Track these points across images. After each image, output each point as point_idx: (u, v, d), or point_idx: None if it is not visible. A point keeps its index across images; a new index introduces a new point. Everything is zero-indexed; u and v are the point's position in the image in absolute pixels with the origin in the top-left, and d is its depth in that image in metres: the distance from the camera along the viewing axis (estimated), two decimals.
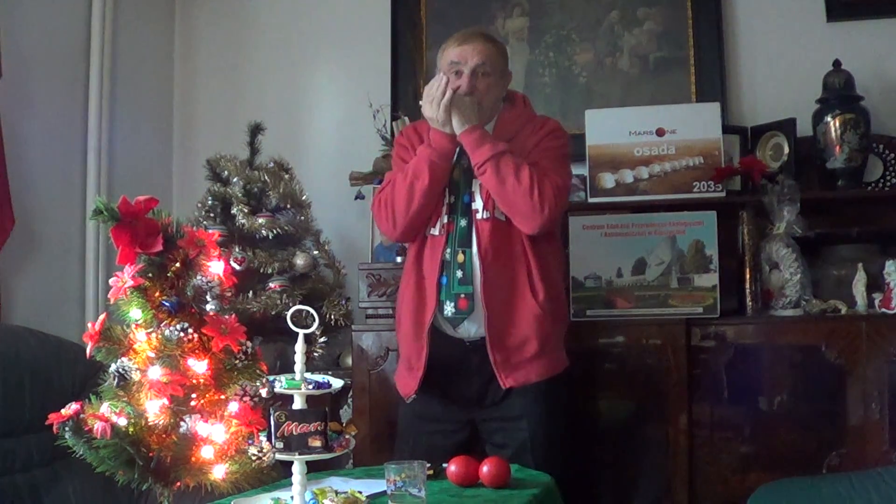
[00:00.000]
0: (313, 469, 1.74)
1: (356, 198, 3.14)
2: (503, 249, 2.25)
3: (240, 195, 2.99)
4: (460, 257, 2.25)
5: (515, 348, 2.22)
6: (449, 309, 2.25)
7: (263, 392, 1.50)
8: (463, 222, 2.27)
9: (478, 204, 2.27)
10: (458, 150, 2.27)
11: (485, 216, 2.25)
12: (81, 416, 1.38)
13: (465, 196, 2.28)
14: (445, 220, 2.28)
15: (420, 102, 2.28)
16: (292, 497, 1.57)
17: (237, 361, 1.43)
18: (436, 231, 2.29)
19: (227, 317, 1.45)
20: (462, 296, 2.24)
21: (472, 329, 2.26)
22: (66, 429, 1.38)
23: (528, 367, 2.23)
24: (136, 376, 1.39)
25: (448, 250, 2.26)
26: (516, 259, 2.25)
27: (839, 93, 2.80)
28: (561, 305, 2.35)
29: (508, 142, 2.25)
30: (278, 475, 1.56)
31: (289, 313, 1.59)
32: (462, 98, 2.22)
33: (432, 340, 2.25)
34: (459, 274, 2.25)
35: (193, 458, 1.39)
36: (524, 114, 2.38)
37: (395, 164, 2.39)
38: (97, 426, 1.35)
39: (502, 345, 2.22)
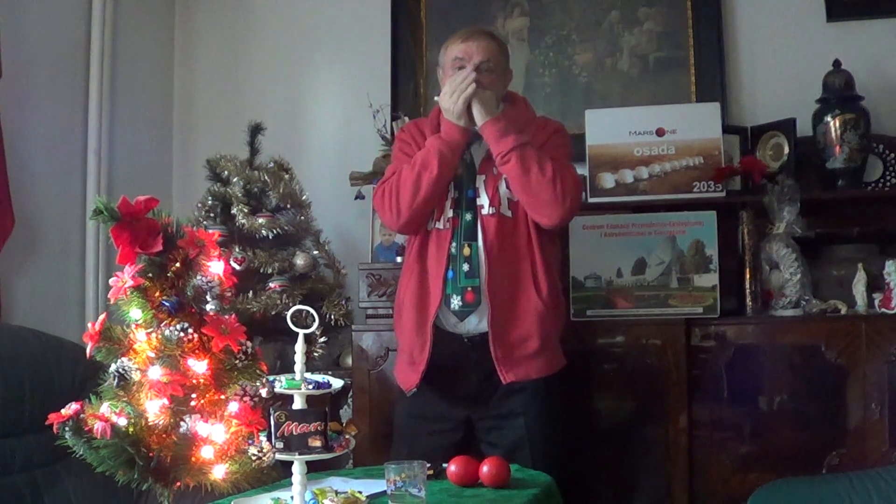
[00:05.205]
0: (313, 469, 1.74)
1: (356, 198, 3.14)
2: (508, 244, 2.26)
3: (240, 195, 2.98)
4: (466, 250, 2.26)
5: (517, 344, 2.23)
6: (456, 302, 2.26)
7: (263, 392, 1.50)
8: (468, 216, 2.28)
9: (483, 200, 2.28)
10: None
11: (490, 212, 2.26)
12: (81, 416, 1.38)
13: (470, 191, 2.29)
14: (451, 215, 2.29)
15: (436, 98, 2.30)
16: (292, 497, 1.57)
17: (237, 361, 1.43)
18: (440, 225, 2.29)
19: (227, 317, 1.45)
20: (469, 289, 2.25)
21: (473, 323, 2.26)
22: (66, 429, 1.38)
23: (528, 364, 2.24)
24: (136, 376, 1.39)
25: (454, 244, 2.27)
26: (521, 254, 2.26)
27: (839, 93, 2.79)
28: (560, 304, 2.36)
29: None
30: (278, 475, 1.56)
31: (289, 313, 1.59)
32: (483, 91, 2.23)
33: (434, 335, 2.25)
34: (466, 267, 2.25)
35: (193, 458, 1.39)
36: (527, 113, 2.40)
37: (396, 159, 2.39)
38: (97, 426, 1.35)
39: (504, 340, 2.22)
